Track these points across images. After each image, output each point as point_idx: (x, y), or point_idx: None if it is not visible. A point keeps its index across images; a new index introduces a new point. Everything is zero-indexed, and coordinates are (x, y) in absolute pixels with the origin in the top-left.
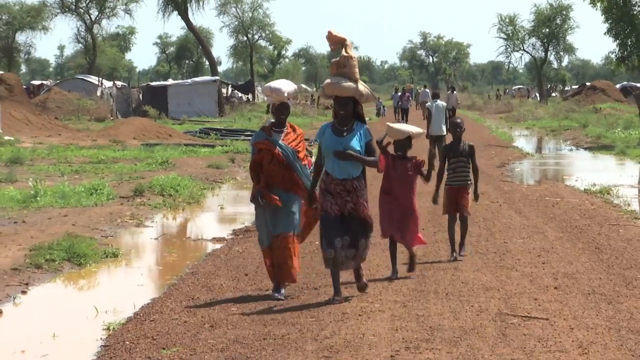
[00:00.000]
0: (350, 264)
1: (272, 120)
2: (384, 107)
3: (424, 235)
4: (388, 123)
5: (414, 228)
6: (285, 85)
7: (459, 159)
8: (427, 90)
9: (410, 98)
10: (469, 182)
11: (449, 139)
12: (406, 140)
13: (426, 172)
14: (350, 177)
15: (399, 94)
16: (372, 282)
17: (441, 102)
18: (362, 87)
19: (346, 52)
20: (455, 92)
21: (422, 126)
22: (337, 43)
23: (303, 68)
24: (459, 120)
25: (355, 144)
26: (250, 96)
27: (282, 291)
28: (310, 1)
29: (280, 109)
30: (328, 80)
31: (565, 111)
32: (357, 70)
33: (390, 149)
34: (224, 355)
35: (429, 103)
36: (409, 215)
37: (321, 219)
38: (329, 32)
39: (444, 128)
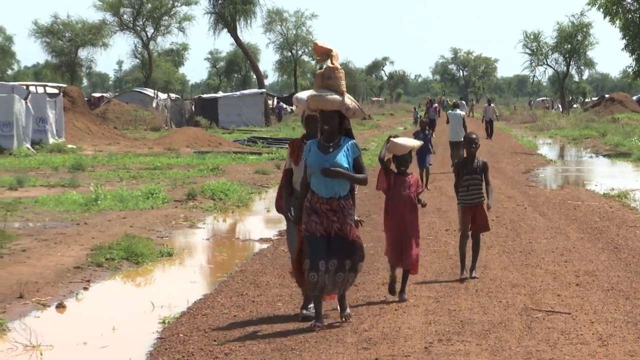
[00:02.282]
0: (336, 289)
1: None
2: (420, 117)
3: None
4: (391, 138)
5: (415, 252)
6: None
7: (473, 176)
8: (493, 105)
9: (438, 109)
10: (483, 199)
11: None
12: (409, 155)
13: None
14: (336, 195)
15: (435, 105)
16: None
17: (460, 112)
18: (348, 100)
19: (332, 63)
20: (492, 104)
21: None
22: (323, 54)
23: (343, 81)
24: (474, 136)
25: (343, 160)
26: (294, 107)
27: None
28: (349, 19)
29: (307, 122)
30: (312, 93)
31: (585, 121)
32: (343, 82)
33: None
34: (270, 347)
35: (449, 111)
36: (411, 238)
37: (305, 239)
38: (315, 44)
39: (460, 135)
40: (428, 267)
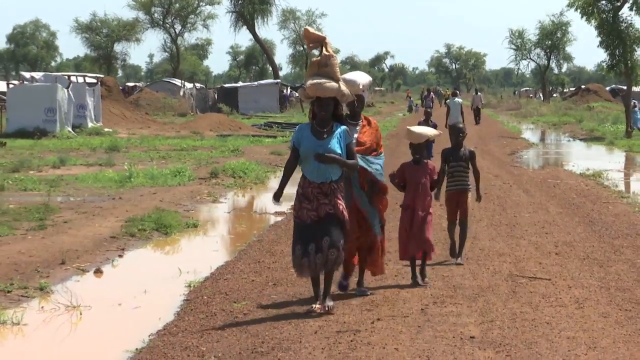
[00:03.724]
0: (328, 266)
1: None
2: (416, 105)
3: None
4: (408, 127)
5: (430, 237)
6: (360, 77)
7: (459, 163)
8: (480, 94)
9: (433, 98)
10: (467, 187)
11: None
12: (424, 144)
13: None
14: (327, 180)
15: (431, 95)
16: None
17: (458, 100)
18: (343, 87)
19: (327, 50)
20: (479, 93)
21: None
22: (315, 41)
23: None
24: (461, 126)
25: (336, 146)
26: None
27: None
28: (355, 17)
29: (355, 102)
30: (311, 81)
31: (564, 109)
32: (338, 69)
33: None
34: (284, 309)
35: (448, 100)
36: (425, 224)
37: (296, 226)
38: (306, 30)
39: (460, 119)
40: None
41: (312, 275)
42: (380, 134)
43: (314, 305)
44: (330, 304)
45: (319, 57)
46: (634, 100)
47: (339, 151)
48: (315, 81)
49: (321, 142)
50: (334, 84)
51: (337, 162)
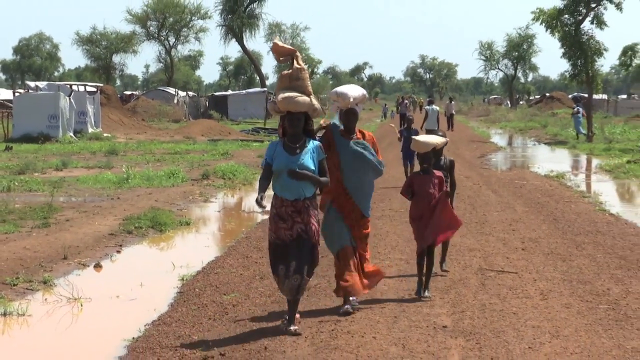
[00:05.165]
0: (293, 291)
1: (341, 126)
2: (392, 111)
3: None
4: (414, 137)
5: (445, 221)
6: (352, 90)
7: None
8: (453, 103)
9: (408, 105)
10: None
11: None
12: (431, 152)
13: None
14: (301, 197)
15: (405, 102)
16: (382, 244)
17: (436, 107)
18: (315, 101)
19: (298, 63)
20: (453, 102)
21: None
22: (285, 54)
23: (330, 82)
24: (440, 133)
25: (309, 163)
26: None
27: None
28: (335, 30)
29: (347, 115)
30: (282, 95)
31: (530, 115)
32: (309, 82)
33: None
34: (270, 300)
35: (426, 107)
36: (439, 212)
37: (276, 246)
38: (275, 44)
39: (436, 125)
40: (400, 234)
41: (292, 297)
42: (377, 146)
43: (292, 328)
44: (296, 328)
45: (290, 71)
46: (577, 107)
47: (312, 167)
48: (286, 95)
49: (294, 158)
50: (305, 98)
51: (309, 178)
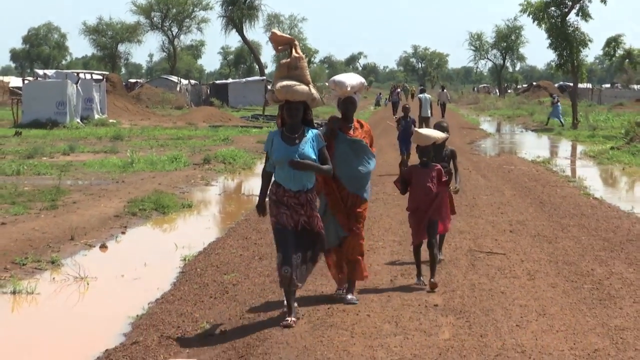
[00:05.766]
0: (300, 282)
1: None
2: (386, 99)
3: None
4: (415, 129)
5: (445, 213)
6: (349, 79)
7: (441, 163)
8: (446, 92)
9: (400, 93)
10: (448, 187)
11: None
12: (431, 146)
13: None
14: (304, 188)
15: (397, 91)
16: (376, 226)
17: (428, 96)
18: (314, 90)
19: (296, 52)
20: (445, 90)
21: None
22: (284, 43)
23: (327, 71)
24: (445, 124)
25: (310, 152)
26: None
27: (354, 295)
28: (332, 21)
29: (345, 104)
30: (281, 83)
31: (517, 103)
32: (307, 71)
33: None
34: (268, 280)
35: (419, 95)
36: (438, 207)
37: (277, 232)
38: (273, 33)
39: (429, 112)
40: (393, 217)
41: (289, 289)
42: (372, 137)
43: (288, 319)
44: (295, 317)
45: (289, 60)
46: (555, 95)
47: (313, 157)
48: (284, 84)
49: (293, 148)
50: (304, 87)
51: (312, 168)
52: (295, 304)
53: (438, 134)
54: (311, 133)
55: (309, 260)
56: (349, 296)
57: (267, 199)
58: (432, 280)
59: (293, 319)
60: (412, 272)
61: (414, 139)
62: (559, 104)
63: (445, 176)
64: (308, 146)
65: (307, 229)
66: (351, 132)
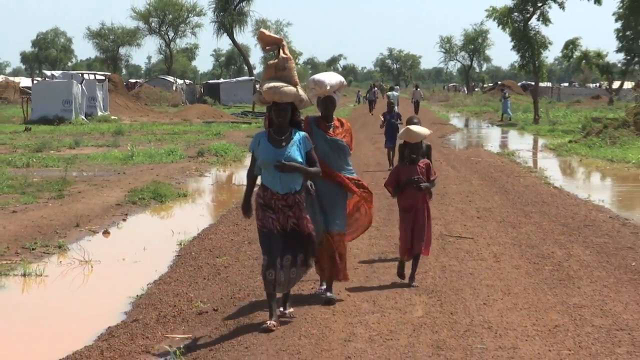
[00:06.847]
0: (288, 285)
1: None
2: (364, 97)
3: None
4: (408, 126)
5: (428, 237)
6: (329, 78)
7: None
8: (420, 90)
9: (377, 92)
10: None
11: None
12: (421, 142)
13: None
14: (292, 191)
15: (374, 89)
16: None
17: (396, 93)
18: (301, 91)
19: (284, 53)
20: (419, 89)
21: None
22: (271, 43)
23: (310, 72)
24: (416, 120)
25: (297, 154)
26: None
27: (332, 292)
28: (314, 24)
29: (325, 103)
30: (268, 85)
31: (484, 100)
32: (295, 72)
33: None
34: (257, 263)
35: (388, 93)
36: (423, 227)
37: (262, 235)
38: (261, 32)
39: (396, 108)
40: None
41: (273, 292)
42: (352, 136)
43: (268, 322)
44: (292, 310)
45: (276, 60)
46: (505, 91)
47: (299, 159)
48: (272, 85)
49: (280, 151)
50: (292, 89)
51: (298, 170)
52: (291, 309)
53: (427, 131)
54: (298, 135)
55: (300, 265)
56: (329, 294)
57: (252, 201)
58: (413, 284)
59: (273, 322)
60: (388, 255)
61: (403, 135)
62: (508, 99)
63: (434, 174)
64: (294, 149)
65: (297, 230)
66: (331, 131)
